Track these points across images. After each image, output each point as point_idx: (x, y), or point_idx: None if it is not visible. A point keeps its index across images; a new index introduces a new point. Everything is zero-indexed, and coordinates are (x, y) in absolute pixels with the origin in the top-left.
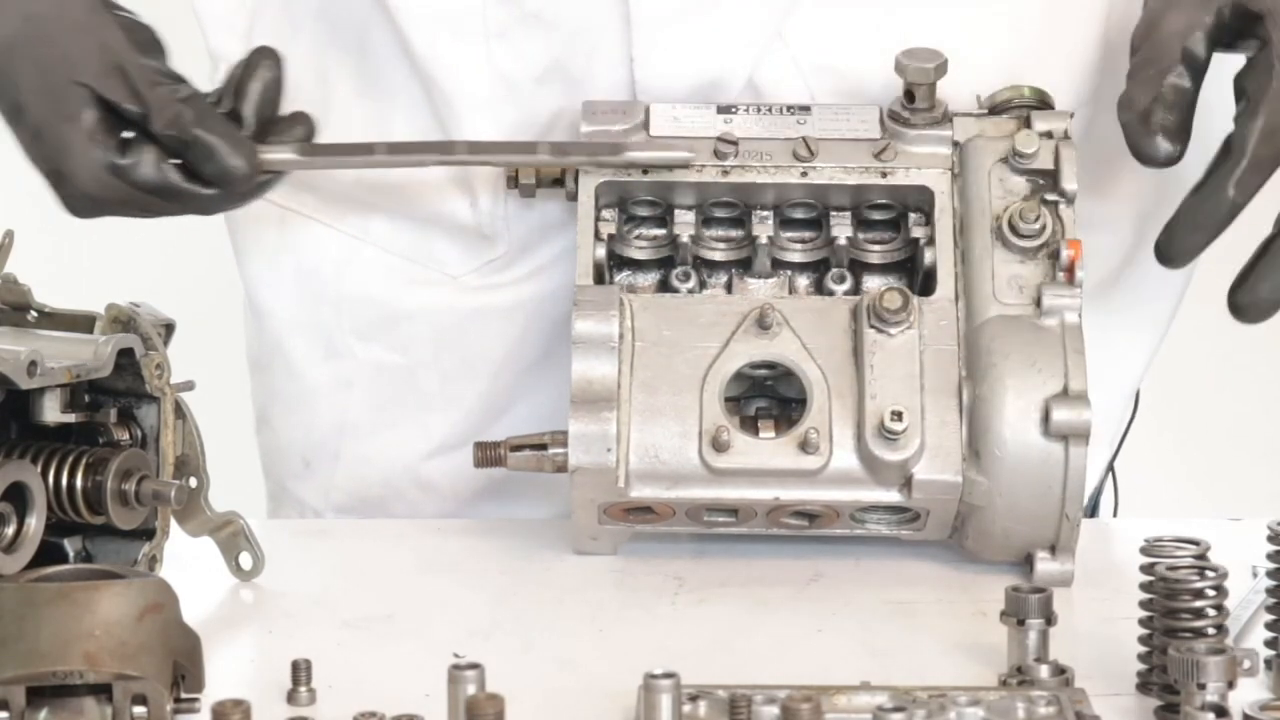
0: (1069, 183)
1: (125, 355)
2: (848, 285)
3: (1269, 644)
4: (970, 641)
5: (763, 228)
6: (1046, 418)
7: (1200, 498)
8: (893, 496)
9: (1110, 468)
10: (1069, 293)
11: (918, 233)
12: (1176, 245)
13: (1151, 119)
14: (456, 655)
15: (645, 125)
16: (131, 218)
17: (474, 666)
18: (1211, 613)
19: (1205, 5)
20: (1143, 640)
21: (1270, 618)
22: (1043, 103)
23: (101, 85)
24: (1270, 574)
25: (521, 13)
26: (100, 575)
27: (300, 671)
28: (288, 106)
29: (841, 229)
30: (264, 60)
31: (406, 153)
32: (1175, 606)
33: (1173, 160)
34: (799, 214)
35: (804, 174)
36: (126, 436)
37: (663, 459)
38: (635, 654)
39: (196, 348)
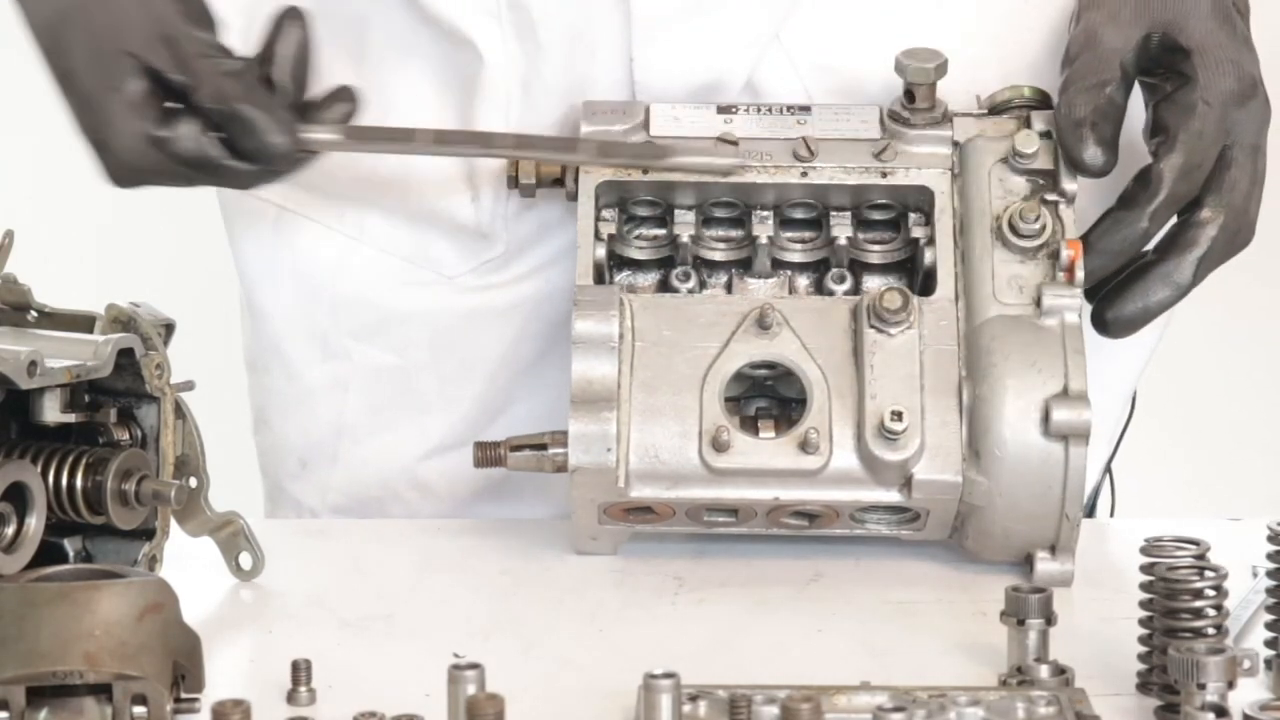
0: (1069, 183)
1: (125, 355)
2: (848, 285)
3: (1269, 644)
4: (970, 641)
5: (763, 228)
6: (1046, 418)
7: (1200, 498)
8: (893, 496)
9: (1108, 468)
10: (1069, 293)
11: (918, 233)
12: (1091, 270)
13: (1090, 129)
14: (456, 655)
15: (645, 125)
16: (171, 187)
17: (474, 666)
18: (1211, 613)
19: (1138, 26)
20: (1143, 640)
21: (1270, 618)
22: (1043, 103)
23: (149, 54)
24: (1270, 574)
25: (522, 13)
26: (100, 575)
27: (300, 671)
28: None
29: (841, 229)
30: (292, 22)
31: (449, 142)
32: (1175, 606)
33: (1105, 171)
34: (799, 214)
35: (804, 174)
36: (126, 436)
37: (663, 459)
38: (635, 654)
39: (196, 348)
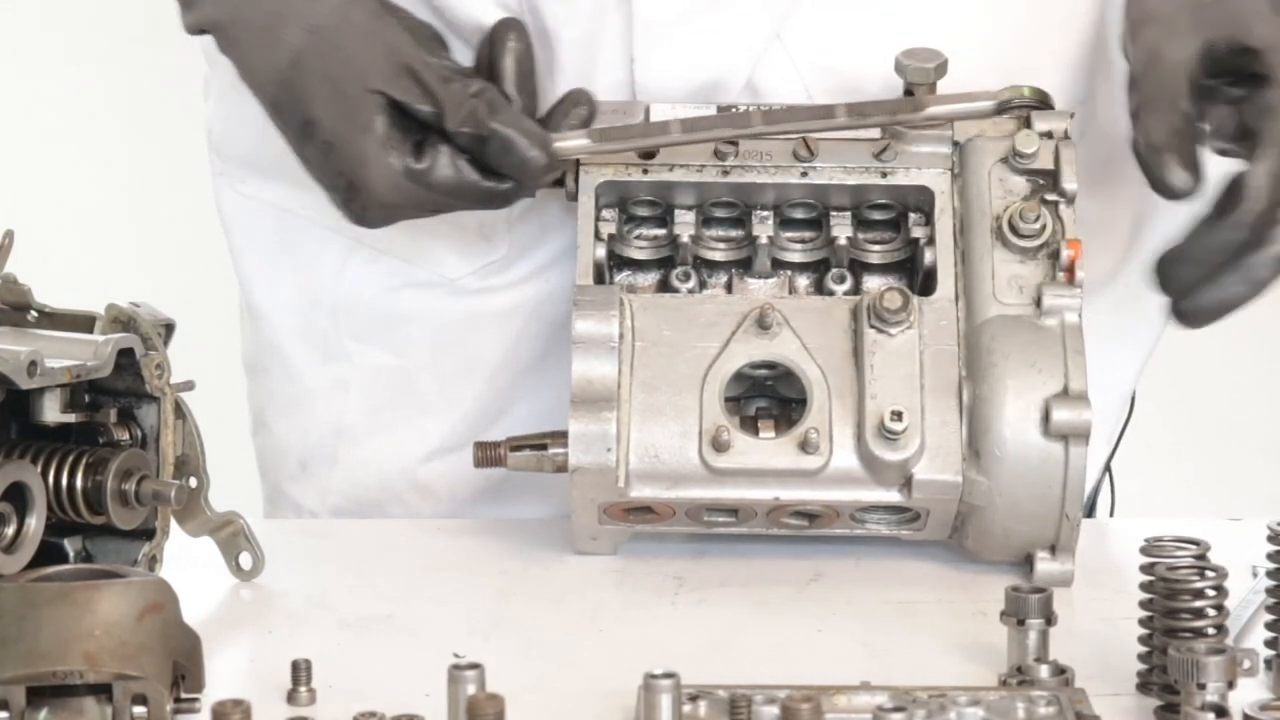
0: (1069, 183)
1: (125, 355)
2: (848, 285)
3: (1269, 644)
4: (970, 641)
5: (763, 228)
6: (1046, 418)
7: (1200, 498)
8: (893, 496)
9: (1107, 468)
10: (1069, 293)
11: (918, 233)
12: (1185, 282)
13: (1171, 153)
14: (456, 655)
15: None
16: (422, 218)
17: (474, 666)
18: (1211, 613)
19: (1197, 34)
20: (1143, 640)
21: (1270, 618)
22: (1043, 103)
23: (394, 89)
24: (1270, 574)
25: (534, 15)
26: (100, 575)
27: (300, 671)
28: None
29: (841, 229)
30: (510, 32)
31: (700, 128)
32: (1175, 606)
33: (1194, 193)
34: (799, 214)
35: (804, 174)
36: (126, 436)
37: (663, 459)
38: (635, 654)
39: (196, 348)
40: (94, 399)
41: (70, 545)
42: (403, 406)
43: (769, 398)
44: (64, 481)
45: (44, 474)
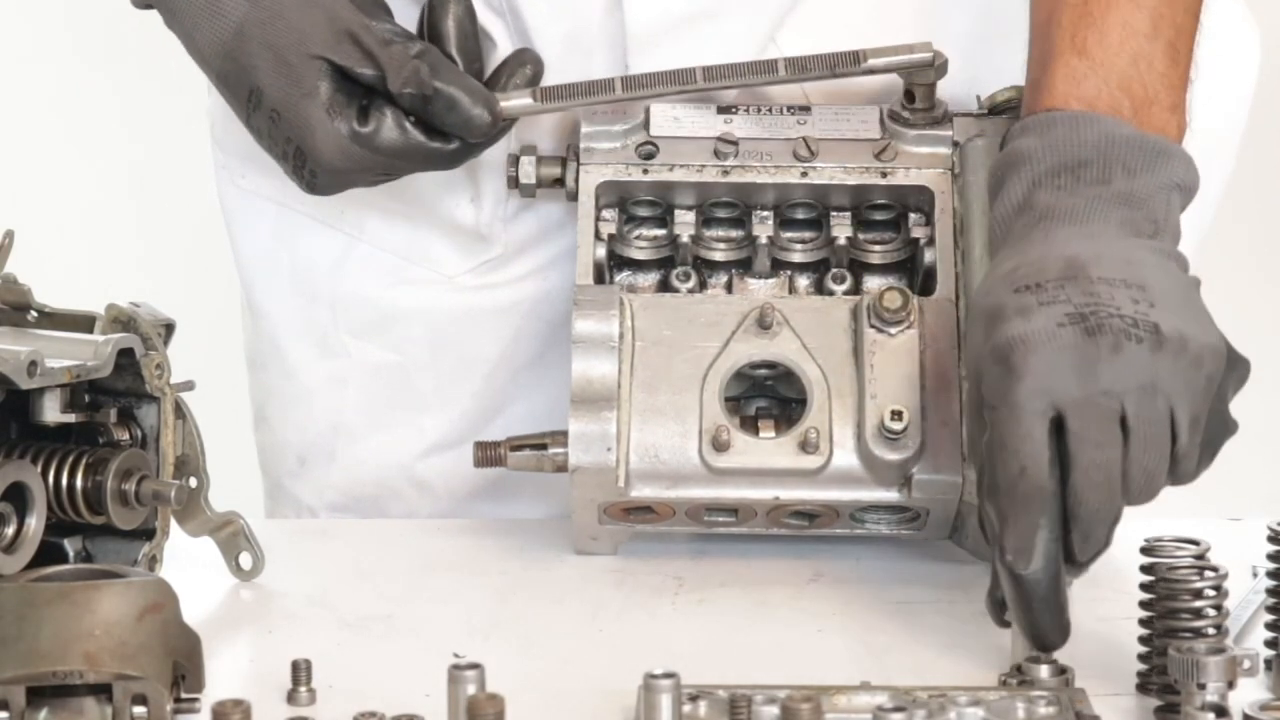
0: None
1: (125, 355)
2: (848, 285)
3: (1269, 644)
4: (970, 641)
5: (763, 228)
6: None
7: (1200, 498)
8: (892, 496)
9: None
10: None
11: (918, 233)
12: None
13: (1042, 607)
14: (456, 655)
15: (645, 125)
16: (369, 185)
17: (474, 666)
18: (1211, 613)
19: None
20: (1143, 640)
21: (1270, 618)
22: None
23: (336, 54)
24: (1270, 574)
25: (518, 22)
26: (100, 575)
27: (300, 671)
28: None
29: (841, 229)
30: None
31: (642, 86)
32: (1175, 606)
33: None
34: (799, 214)
35: (804, 174)
36: (126, 436)
37: (663, 458)
38: (635, 654)
39: (196, 348)
40: (94, 399)
41: (70, 545)
42: (400, 403)
43: (769, 397)
44: (64, 481)
45: (44, 474)
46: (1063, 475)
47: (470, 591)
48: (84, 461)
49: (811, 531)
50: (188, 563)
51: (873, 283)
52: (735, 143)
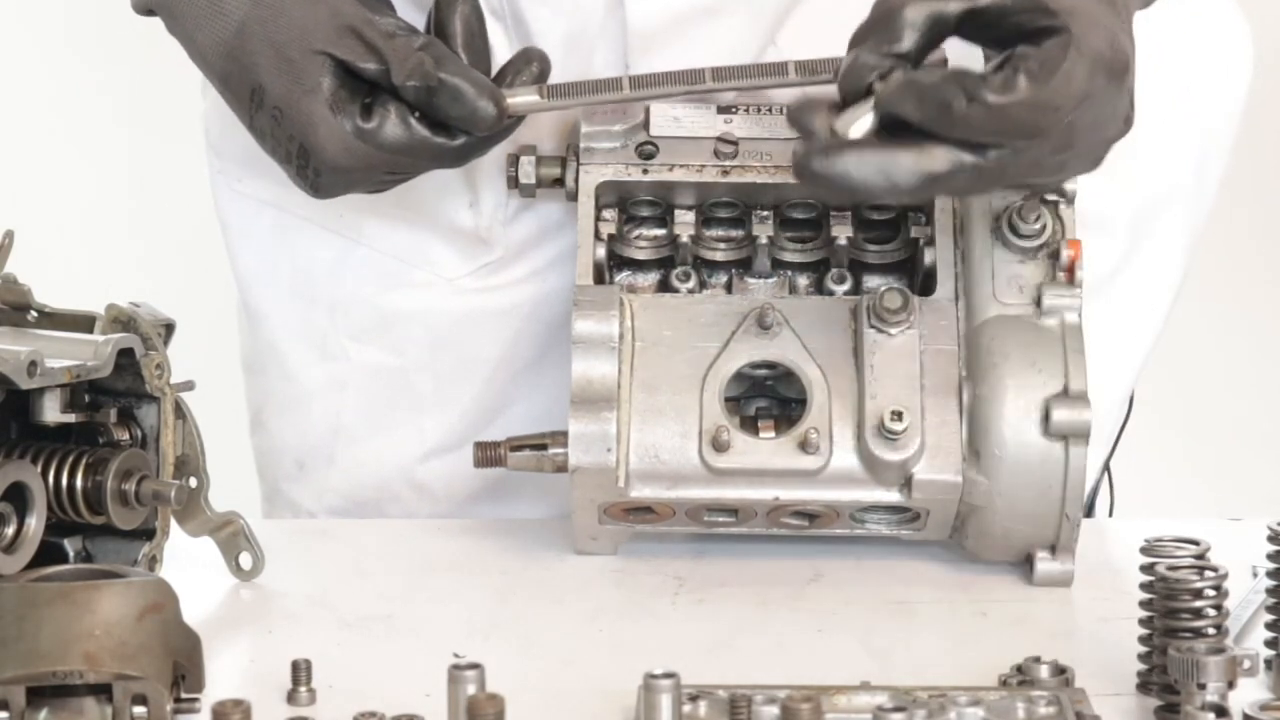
0: (1069, 183)
1: (125, 355)
2: (848, 286)
3: (1269, 644)
4: (970, 641)
5: (763, 228)
6: (1046, 417)
7: (1200, 498)
8: (893, 496)
9: (1105, 467)
10: (1069, 292)
11: (917, 233)
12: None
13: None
14: (456, 655)
15: (645, 125)
16: (374, 191)
17: (474, 666)
18: (1211, 613)
19: None
20: (1143, 640)
21: (1270, 618)
22: None
23: (338, 49)
24: (1270, 574)
25: (518, 21)
26: (100, 575)
27: (300, 671)
28: None
29: (841, 229)
30: None
31: (650, 85)
32: (1175, 606)
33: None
34: (799, 214)
35: None
36: (126, 436)
37: (663, 459)
38: (635, 654)
39: (196, 348)
40: (94, 399)
41: (70, 545)
42: (400, 406)
43: (769, 398)
44: (64, 481)
45: (44, 474)
46: None
47: (470, 591)
48: (84, 461)
49: (811, 531)
50: (188, 563)
51: (873, 283)
52: (735, 143)
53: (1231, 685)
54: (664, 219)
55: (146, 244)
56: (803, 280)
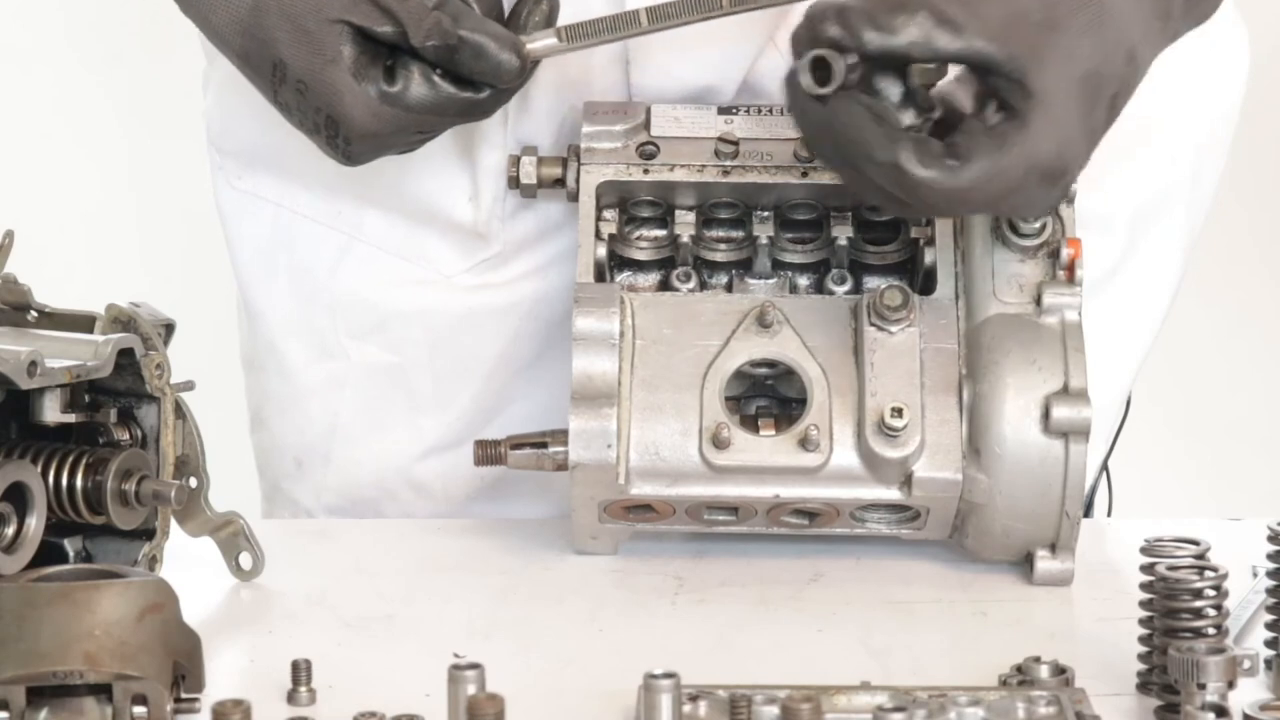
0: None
1: (125, 355)
2: (848, 286)
3: (1269, 644)
4: (970, 641)
5: (763, 228)
6: (1047, 415)
7: (1200, 498)
8: (893, 494)
9: (1104, 467)
10: (1069, 291)
11: (917, 233)
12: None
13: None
14: (456, 655)
15: (646, 125)
16: (405, 151)
17: (474, 666)
18: (1211, 613)
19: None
20: (1143, 640)
21: (1270, 618)
22: None
23: (354, 14)
24: (1270, 574)
25: None
26: (100, 575)
27: (300, 671)
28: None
29: (842, 230)
30: None
31: (666, 17)
32: (1175, 606)
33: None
34: (799, 215)
35: (804, 174)
36: (126, 436)
37: (663, 456)
38: (635, 654)
39: (196, 348)
40: (94, 399)
41: (70, 545)
42: (399, 404)
43: (769, 397)
44: (64, 481)
45: (44, 474)
46: None
47: (470, 591)
48: (84, 461)
49: (811, 531)
50: (188, 563)
51: (873, 283)
52: (736, 143)
53: (1231, 685)
54: (664, 219)
55: (146, 244)
56: (803, 281)
